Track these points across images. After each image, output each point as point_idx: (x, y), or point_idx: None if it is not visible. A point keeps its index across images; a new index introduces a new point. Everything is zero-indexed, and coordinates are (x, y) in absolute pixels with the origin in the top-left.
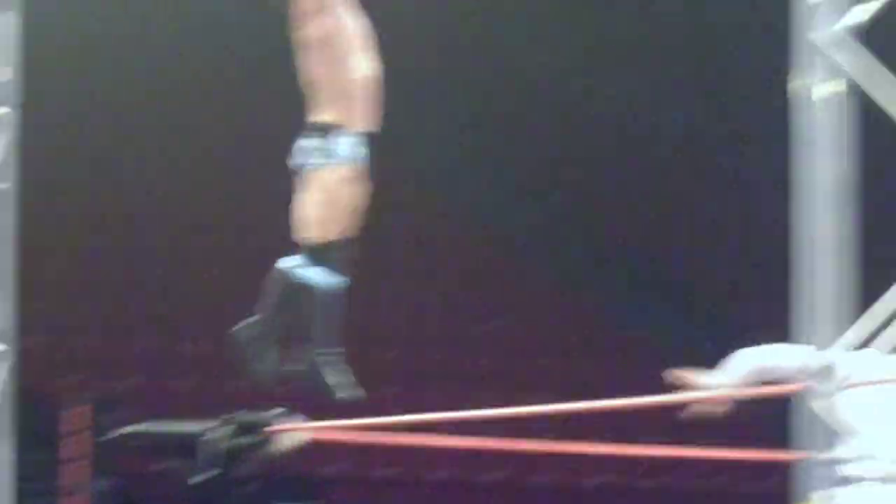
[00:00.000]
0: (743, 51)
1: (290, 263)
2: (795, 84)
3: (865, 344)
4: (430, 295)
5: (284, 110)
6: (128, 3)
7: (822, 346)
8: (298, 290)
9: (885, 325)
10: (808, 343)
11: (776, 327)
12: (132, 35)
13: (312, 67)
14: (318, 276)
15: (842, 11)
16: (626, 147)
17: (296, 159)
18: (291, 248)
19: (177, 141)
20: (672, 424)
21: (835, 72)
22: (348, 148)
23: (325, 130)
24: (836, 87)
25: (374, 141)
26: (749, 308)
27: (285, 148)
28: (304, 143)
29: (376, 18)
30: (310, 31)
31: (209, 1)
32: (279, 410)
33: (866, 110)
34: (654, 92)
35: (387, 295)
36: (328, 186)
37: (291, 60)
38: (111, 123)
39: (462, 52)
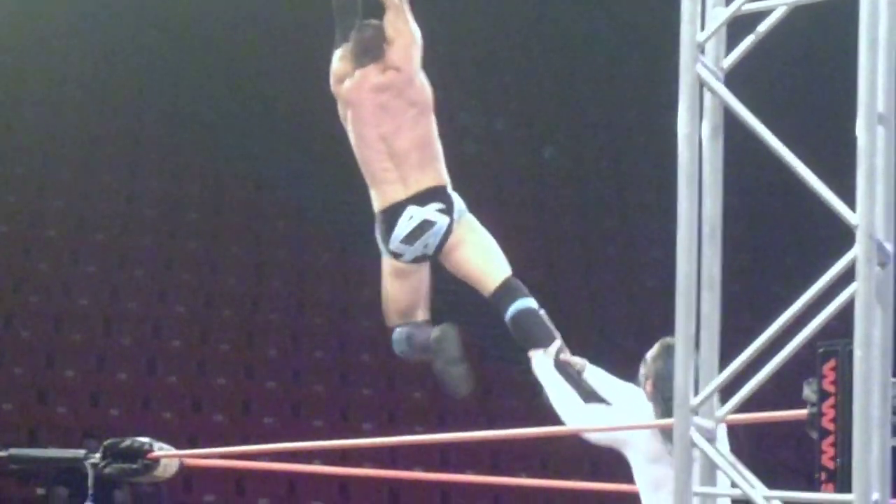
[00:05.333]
0: (624, 83)
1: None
2: (680, 120)
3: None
4: (307, 327)
5: None
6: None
7: (706, 381)
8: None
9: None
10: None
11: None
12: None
13: (409, 133)
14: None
15: (724, 47)
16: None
17: (409, 233)
18: None
19: None
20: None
21: (718, 108)
22: (459, 200)
23: (435, 193)
24: (718, 123)
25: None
26: (632, 341)
27: None
28: (422, 212)
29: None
30: (411, 97)
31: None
32: (148, 439)
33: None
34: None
35: (267, 326)
36: (480, 235)
37: None
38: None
39: None
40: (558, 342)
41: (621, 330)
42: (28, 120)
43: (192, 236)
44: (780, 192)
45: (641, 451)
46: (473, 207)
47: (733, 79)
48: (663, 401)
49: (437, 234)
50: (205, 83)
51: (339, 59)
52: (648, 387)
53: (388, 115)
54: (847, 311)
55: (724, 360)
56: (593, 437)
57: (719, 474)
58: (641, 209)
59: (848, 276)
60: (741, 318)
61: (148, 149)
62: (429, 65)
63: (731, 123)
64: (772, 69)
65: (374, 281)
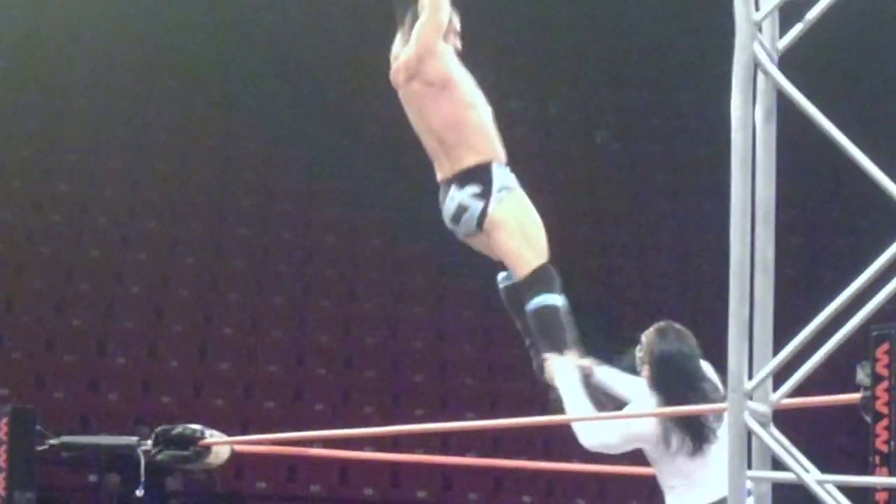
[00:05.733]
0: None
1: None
2: (734, 102)
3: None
4: (358, 314)
5: None
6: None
7: (759, 366)
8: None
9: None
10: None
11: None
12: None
13: (435, 114)
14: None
15: (778, 30)
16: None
17: (453, 214)
18: None
19: None
20: None
21: (771, 91)
22: (504, 177)
23: (475, 173)
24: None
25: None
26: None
27: None
28: (459, 195)
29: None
30: (426, 77)
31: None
32: (200, 426)
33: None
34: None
35: (318, 313)
36: (515, 219)
37: None
38: None
39: None
40: (575, 352)
41: (675, 315)
42: (78, 106)
43: (243, 222)
44: (834, 175)
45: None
46: (526, 192)
47: (786, 62)
48: (665, 385)
49: (471, 219)
50: (255, 68)
51: (396, 43)
52: (646, 372)
53: (415, 96)
54: None
55: (778, 344)
56: (615, 442)
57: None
58: (695, 193)
59: None
60: (795, 302)
61: (197, 135)
62: (478, 51)
63: (784, 107)
64: (825, 52)
65: (425, 267)
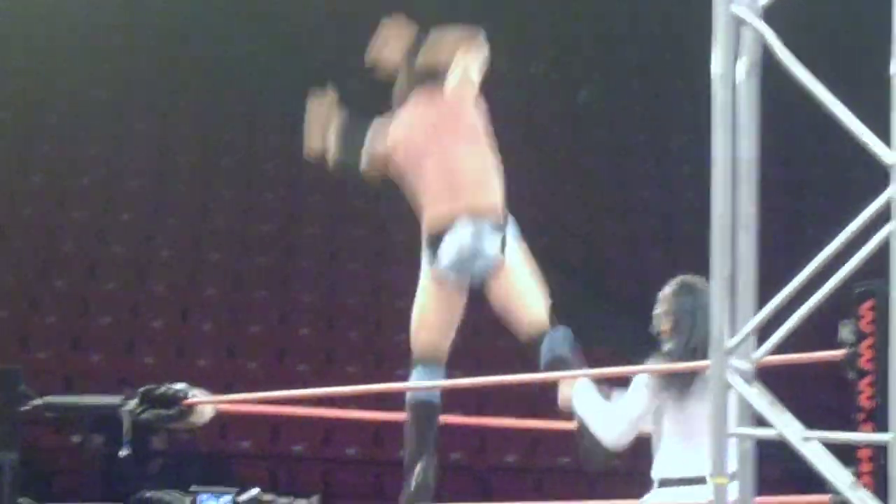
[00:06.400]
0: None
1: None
2: (714, 58)
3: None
4: (342, 273)
5: None
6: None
7: (742, 323)
8: None
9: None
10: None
11: None
12: None
13: (460, 157)
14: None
15: None
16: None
17: (468, 246)
18: None
19: None
20: None
21: (755, 45)
22: (514, 227)
23: (491, 217)
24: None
25: None
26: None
27: None
28: (481, 233)
29: None
30: (464, 121)
31: None
32: (184, 385)
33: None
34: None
35: (302, 272)
36: (529, 266)
37: None
38: None
39: None
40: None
41: (659, 275)
42: (63, 69)
43: (227, 183)
44: (817, 132)
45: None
46: (508, 152)
47: (768, 18)
48: (683, 338)
49: (488, 255)
50: (242, 50)
51: (393, 126)
52: (667, 324)
53: (442, 135)
54: (884, 252)
55: (762, 303)
56: (626, 427)
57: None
58: (677, 152)
59: (885, 216)
60: (778, 260)
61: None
62: (461, 11)
63: (766, 63)
64: (807, 7)
65: (409, 227)
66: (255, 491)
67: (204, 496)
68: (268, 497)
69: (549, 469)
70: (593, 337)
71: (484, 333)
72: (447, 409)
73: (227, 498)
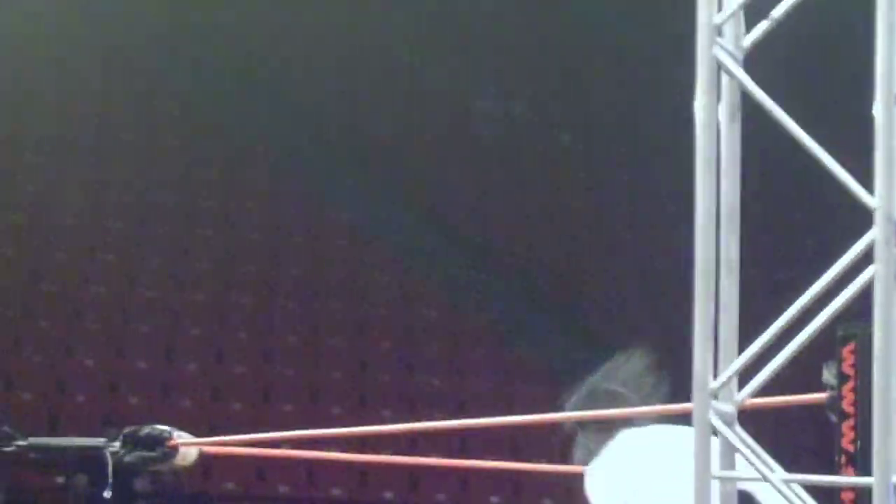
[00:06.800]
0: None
1: None
2: (697, 103)
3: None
4: (325, 313)
5: None
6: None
7: (725, 365)
8: None
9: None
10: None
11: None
12: None
13: None
14: None
15: (743, 27)
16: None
17: None
18: None
19: None
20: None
21: (735, 91)
22: None
23: None
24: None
25: None
26: (652, 327)
27: None
28: None
29: None
30: None
31: None
32: (167, 427)
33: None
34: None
35: (285, 313)
36: None
37: None
38: None
39: None
40: None
41: (641, 316)
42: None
43: (209, 223)
44: (798, 175)
45: None
46: (489, 191)
47: (748, 61)
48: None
49: None
50: (217, 69)
51: None
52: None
53: None
54: (867, 295)
55: (744, 346)
56: None
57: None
58: (659, 195)
59: (867, 259)
60: (761, 303)
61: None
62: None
63: (747, 105)
64: (788, 50)
65: (391, 267)
66: None
67: None
68: None
69: None
70: (576, 375)
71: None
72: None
73: None
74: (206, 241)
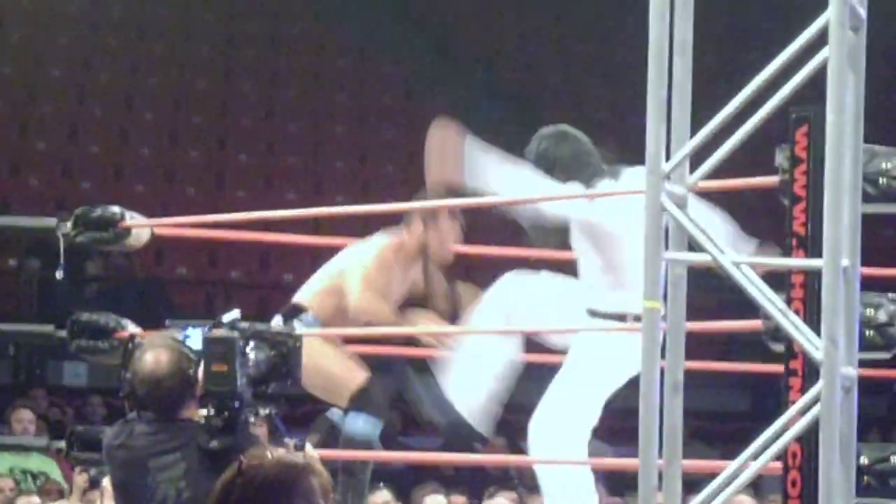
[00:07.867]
0: None
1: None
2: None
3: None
4: (281, 99)
5: None
6: None
7: (677, 146)
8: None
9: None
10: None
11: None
12: None
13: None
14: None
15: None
16: None
17: None
18: None
19: None
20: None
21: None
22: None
23: None
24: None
25: None
26: (607, 113)
27: None
28: None
29: None
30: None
31: None
32: (119, 208)
33: None
34: None
35: (240, 96)
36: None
37: None
38: None
39: None
40: None
41: (596, 102)
42: None
43: (162, 4)
44: None
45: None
46: None
47: None
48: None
49: None
50: None
51: None
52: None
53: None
54: (820, 77)
55: (700, 129)
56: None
57: None
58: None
59: (821, 41)
60: (716, 87)
61: None
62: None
63: None
64: None
65: (348, 52)
66: (235, 313)
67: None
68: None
69: None
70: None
71: None
72: None
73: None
74: (161, 23)
